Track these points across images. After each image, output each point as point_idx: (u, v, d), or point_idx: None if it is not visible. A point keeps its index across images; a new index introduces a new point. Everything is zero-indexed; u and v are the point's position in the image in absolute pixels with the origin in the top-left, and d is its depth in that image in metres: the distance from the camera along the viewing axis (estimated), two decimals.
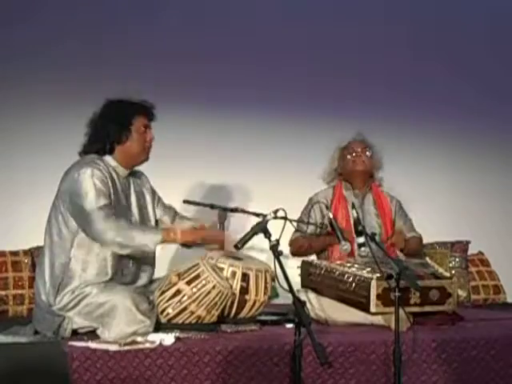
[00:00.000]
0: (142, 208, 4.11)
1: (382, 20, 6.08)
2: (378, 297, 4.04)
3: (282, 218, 3.83)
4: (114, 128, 3.95)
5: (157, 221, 4.19)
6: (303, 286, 4.48)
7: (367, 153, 4.81)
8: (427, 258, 4.67)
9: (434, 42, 6.16)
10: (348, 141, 4.87)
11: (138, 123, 4.01)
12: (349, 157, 4.80)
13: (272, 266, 3.69)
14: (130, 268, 3.99)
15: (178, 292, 3.82)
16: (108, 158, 3.99)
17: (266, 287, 4.02)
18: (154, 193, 4.22)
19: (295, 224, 4.13)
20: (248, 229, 3.81)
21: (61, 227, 3.89)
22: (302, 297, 4.06)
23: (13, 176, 5.25)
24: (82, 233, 3.85)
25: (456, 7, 6.24)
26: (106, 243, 3.81)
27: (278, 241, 3.62)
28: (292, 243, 4.75)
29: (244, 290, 3.95)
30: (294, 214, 4.02)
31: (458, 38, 6.24)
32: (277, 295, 4.54)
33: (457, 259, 5.67)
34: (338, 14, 6.00)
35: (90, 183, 3.82)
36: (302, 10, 5.89)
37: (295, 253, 4.76)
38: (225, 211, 4.64)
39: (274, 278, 3.70)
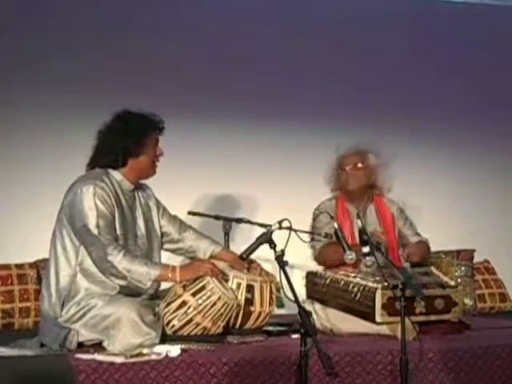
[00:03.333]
0: (147, 221, 4.11)
1: (381, 27, 6.10)
2: (384, 306, 4.03)
3: (287, 228, 3.83)
4: (131, 141, 3.94)
5: (162, 234, 4.18)
6: (308, 296, 4.46)
7: (359, 165, 4.65)
8: (432, 267, 4.65)
9: (433, 47, 6.17)
10: (343, 151, 4.71)
11: (152, 138, 4.02)
12: (341, 174, 4.68)
13: (277, 277, 3.69)
14: None
15: (184, 303, 3.82)
16: (114, 173, 3.98)
17: (271, 298, 4.01)
18: (158, 204, 4.20)
19: (301, 235, 4.10)
20: (253, 239, 3.83)
21: (65, 239, 3.89)
22: (308, 307, 4.05)
23: (17, 189, 5.25)
24: None
25: (456, 13, 6.28)
26: (103, 272, 3.81)
27: (283, 251, 3.62)
28: (319, 256, 4.61)
29: (249, 302, 3.93)
30: (299, 225, 4.01)
31: (457, 44, 6.25)
32: (282, 305, 4.53)
33: (462, 268, 5.66)
34: (337, 25, 6.02)
35: (92, 203, 3.80)
36: (302, 19, 5.90)
37: (327, 264, 4.56)
38: (230, 222, 4.65)
39: (279, 288, 3.69)
